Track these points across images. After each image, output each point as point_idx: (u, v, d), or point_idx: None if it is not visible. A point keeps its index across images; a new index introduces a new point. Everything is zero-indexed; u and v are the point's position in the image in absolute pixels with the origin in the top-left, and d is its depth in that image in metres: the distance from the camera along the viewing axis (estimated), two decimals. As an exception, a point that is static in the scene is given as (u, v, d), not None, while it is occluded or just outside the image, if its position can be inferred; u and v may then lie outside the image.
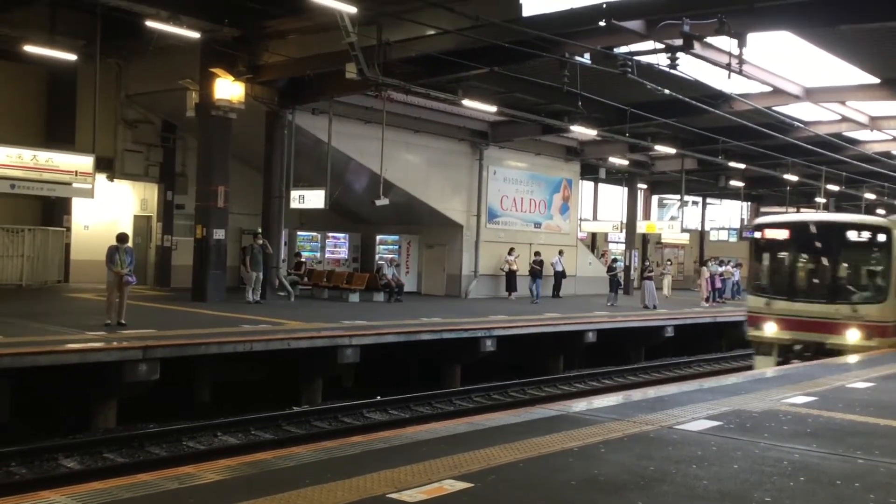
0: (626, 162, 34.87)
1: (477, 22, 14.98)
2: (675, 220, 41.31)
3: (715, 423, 7.87)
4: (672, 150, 30.05)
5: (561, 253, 31.56)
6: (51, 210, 25.04)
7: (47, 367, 12.24)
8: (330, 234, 30.01)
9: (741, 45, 15.41)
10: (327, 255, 29.83)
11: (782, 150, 30.44)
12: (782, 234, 16.93)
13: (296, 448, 6.68)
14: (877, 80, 22.14)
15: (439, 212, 28.41)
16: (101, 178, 23.91)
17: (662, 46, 15.86)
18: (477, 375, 18.70)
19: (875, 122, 27.42)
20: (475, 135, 29.33)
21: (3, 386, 12.83)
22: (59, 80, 24.45)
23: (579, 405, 9.13)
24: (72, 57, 20.61)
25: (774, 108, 24.56)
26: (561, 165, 33.07)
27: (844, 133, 28.97)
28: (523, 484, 5.68)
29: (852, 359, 14.04)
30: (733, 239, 52.83)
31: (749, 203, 52.29)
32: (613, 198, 44.49)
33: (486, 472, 5.92)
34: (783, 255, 17.28)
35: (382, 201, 22.95)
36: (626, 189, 39.28)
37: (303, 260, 27.41)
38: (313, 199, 22.93)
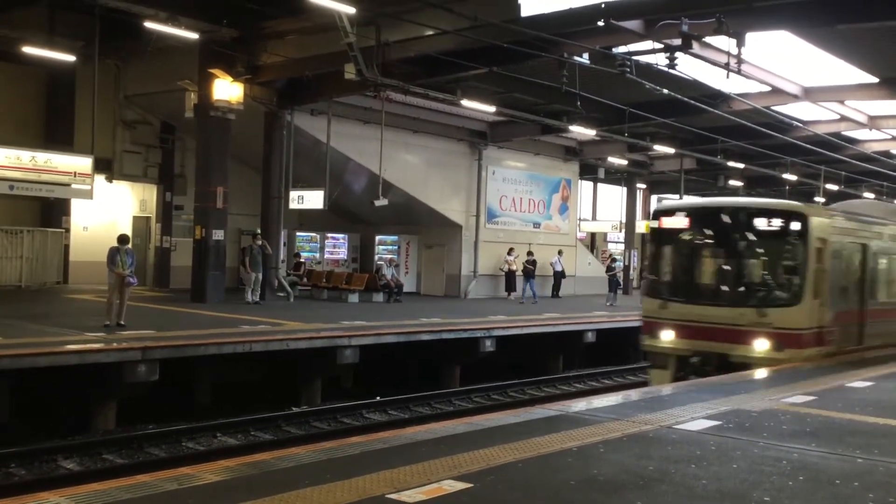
0: (625, 162, 34.87)
1: (475, 22, 14.98)
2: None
3: (714, 423, 7.88)
4: (671, 150, 30.04)
5: (560, 253, 31.56)
6: (50, 211, 25.02)
7: (46, 368, 12.24)
8: (329, 235, 30.01)
9: (740, 44, 15.40)
10: (326, 256, 29.84)
11: (781, 149, 30.44)
12: (680, 223, 14.29)
13: (295, 449, 6.68)
14: (875, 80, 22.13)
15: (438, 212, 28.41)
16: (99, 179, 23.87)
17: (661, 46, 15.85)
18: (476, 376, 18.69)
19: (874, 122, 27.42)
20: (474, 135, 29.33)
21: (2, 387, 12.82)
22: (57, 81, 24.43)
23: (578, 405, 9.14)
24: (70, 58, 20.59)
25: (773, 108, 24.55)
26: (560, 165, 33.07)
27: (843, 132, 28.96)
28: (522, 484, 5.68)
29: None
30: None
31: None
32: (612, 198, 44.47)
33: (485, 472, 5.92)
34: (681, 247, 14.61)
35: (381, 202, 22.95)
36: (625, 189, 39.27)
37: (302, 260, 27.40)
38: (312, 199, 22.93)
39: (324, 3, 15.28)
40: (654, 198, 43.68)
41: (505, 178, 30.79)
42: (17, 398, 13.13)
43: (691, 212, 14.40)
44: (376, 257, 29.04)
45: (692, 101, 21.46)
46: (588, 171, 36.86)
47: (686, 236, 14.37)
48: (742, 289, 13.71)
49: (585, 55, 18.86)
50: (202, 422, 13.53)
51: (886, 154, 33.37)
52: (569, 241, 33.67)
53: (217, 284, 21.79)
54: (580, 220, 38.91)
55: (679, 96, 20.30)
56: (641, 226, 38.78)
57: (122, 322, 15.24)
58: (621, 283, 31.86)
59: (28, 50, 19.70)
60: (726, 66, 16.11)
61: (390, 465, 6.00)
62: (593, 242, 45.55)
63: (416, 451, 6.53)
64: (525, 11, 16.96)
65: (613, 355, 22.78)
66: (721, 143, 29.63)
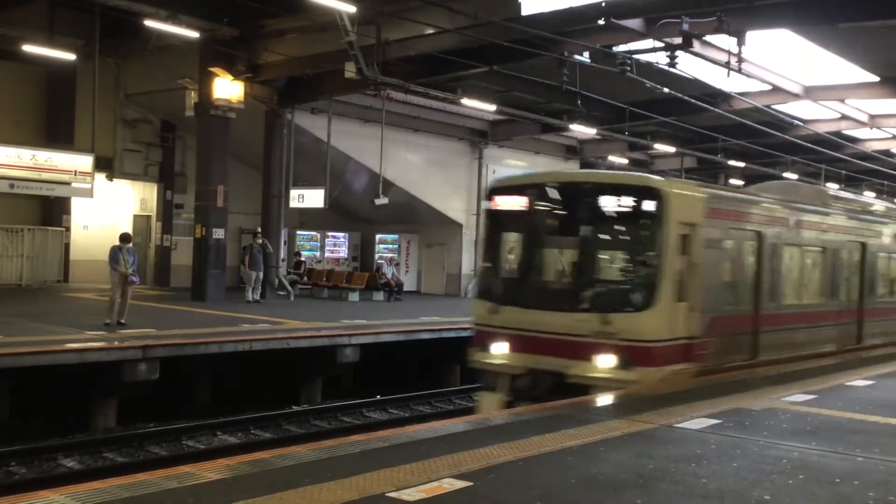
0: (625, 160, 34.83)
1: (476, 21, 14.98)
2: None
3: (714, 422, 7.87)
4: (671, 149, 30.03)
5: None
6: (50, 210, 25.02)
7: (47, 366, 12.24)
8: (329, 234, 30.00)
9: (740, 43, 15.39)
10: (327, 255, 29.84)
11: (782, 148, 30.43)
12: (517, 204, 11.31)
13: (295, 447, 6.68)
14: (876, 79, 22.13)
15: (439, 211, 28.41)
16: (100, 177, 23.90)
17: (662, 45, 15.83)
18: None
19: (874, 121, 27.41)
20: (474, 134, 29.33)
21: (2, 386, 12.83)
22: (58, 79, 24.43)
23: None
24: (71, 56, 20.59)
25: (774, 107, 24.54)
26: (560, 164, 33.04)
27: (844, 131, 28.94)
28: (523, 483, 5.67)
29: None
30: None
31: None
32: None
33: (485, 470, 5.92)
34: (517, 235, 11.77)
35: (382, 200, 22.95)
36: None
37: (302, 259, 27.39)
38: (313, 198, 22.94)
39: (324, 1, 15.29)
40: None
41: (505, 177, 30.73)
42: (18, 397, 13.14)
43: (529, 188, 11.37)
44: (377, 256, 29.05)
45: (693, 100, 21.46)
46: (588, 170, 36.83)
47: (522, 220, 11.38)
48: (584, 289, 10.69)
49: (586, 54, 18.85)
50: (202, 420, 13.54)
51: (887, 153, 33.34)
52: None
53: (217, 283, 21.80)
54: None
55: (680, 95, 20.29)
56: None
57: (123, 321, 15.24)
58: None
59: (28, 48, 19.70)
60: (727, 65, 16.10)
61: (391, 463, 6.00)
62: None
63: (416, 449, 6.52)
64: (525, 10, 16.95)
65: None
66: (722, 141, 29.61)
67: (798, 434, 7.47)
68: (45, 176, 19.15)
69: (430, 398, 16.34)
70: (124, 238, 15.77)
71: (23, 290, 23.23)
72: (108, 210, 26.40)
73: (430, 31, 17.88)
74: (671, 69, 16.00)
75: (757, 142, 29.39)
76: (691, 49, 15.97)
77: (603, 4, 15.71)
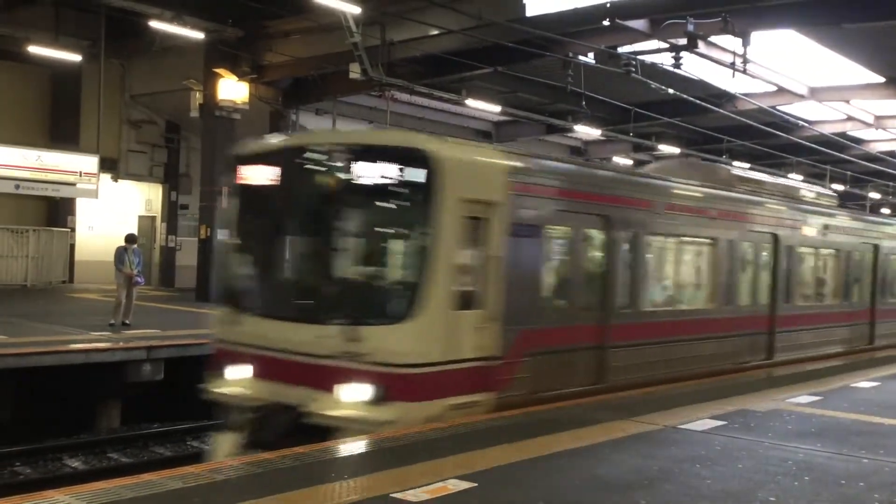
0: (630, 161, 34.79)
1: (481, 22, 14.99)
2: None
3: (719, 423, 7.86)
4: (676, 150, 29.96)
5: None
6: (55, 210, 25.05)
7: (52, 367, 12.25)
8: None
9: (745, 44, 15.37)
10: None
11: (787, 149, 30.37)
12: (262, 176, 8.61)
13: (299, 448, 6.69)
14: (882, 79, 22.09)
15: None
16: (105, 178, 23.95)
17: (667, 46, 15.81)
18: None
19: (880, 121, 27.37)
20: (479, 135, 29.31)
21: (7, 386, 12.84)
22: (63, 80, 24.46)
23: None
24: (76, 57, 20.63)
25: (779, 108, 24.51)
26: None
27: (849, 132, 28.91)
28: (526, 483, 5.67)
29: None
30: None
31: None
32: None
33: (489, 471, 5.91)
34: (262, 218, 8.97)
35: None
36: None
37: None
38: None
39: (329, 2, 15.29)
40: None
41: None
42: (23, 397, 13.15)
43: (274, 155, 8.77)
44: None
45: (698, 101, 21.41)
46: (593, 171, 36.78)
47: (267, 198, 8.70)
48: (326, 292, 8.14)
49: (591, 55, 18.85)
50: (206, 421, 13.52)
51: (892, 154, 33.27)
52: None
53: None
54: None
55: (684, 96, 20.25)
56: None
57: (128, 321, 15.25)
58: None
59: (34, 49, 19.74)
60: (732, 66, 16.07)
61: (395, 464, 6.00)
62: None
63: (420, 450, 6.52)
64: (530, 11, 16.96)
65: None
66: (726, 142, 29.58)
67: (803, 435, 7.45)
68: (50, 177, 19.20)
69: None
70: (130, 239, 15.78)
71: (28, 290, 23.25)
72: (113, 211, 26.43)
73: (435, 31, 17.88)
74: (676, 70, 15.98)
75: (762, 143, 29.34)
76: (696, 50, 15.95)
77: (608, 5, 15.71)
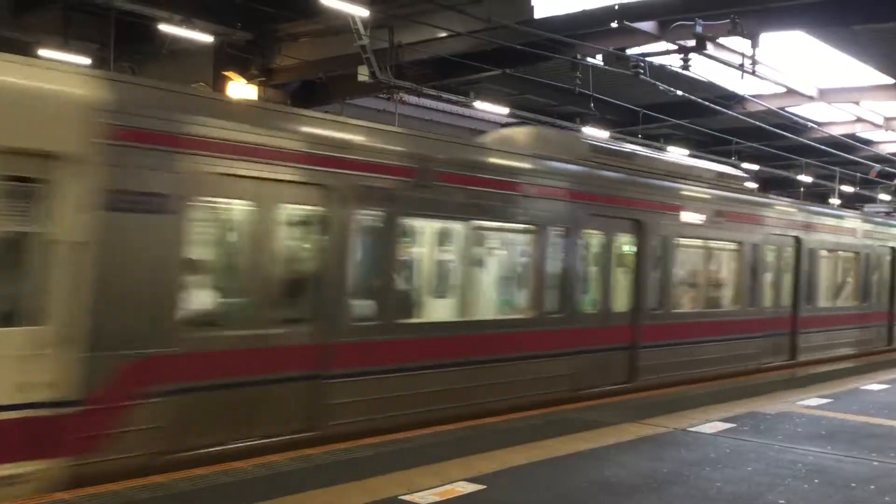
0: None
1: (489, 24, 14.98)
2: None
3: (729, 425, 7.84)
4: (685, 152, 29.92)
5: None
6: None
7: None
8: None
9: (754, 45, 15.34)
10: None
11: (796, 151, 30.28)
12: None
13: (308, 450, 6.70)
14: (891, 81, 21.99)
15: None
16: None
17: (675, 47, 15.79)
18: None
19: (889, 123, 27.26)
20: (487, 137, 29.30)
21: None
22: (73, 84, 24.57)
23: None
24: (86, 61, 20.68)
25: (788, 109, 24.43)
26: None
27: (858, 133, 28.81)
28: (535, 486, 5.67)
29: None
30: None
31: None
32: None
33: (498, 474, 5.92)
34: None
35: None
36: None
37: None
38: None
39: (337, 5, 15.32)
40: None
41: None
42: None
43: None
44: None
45: (706, 103, 21.38)
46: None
47: None
48: None
49: (599, 56, 18.84)
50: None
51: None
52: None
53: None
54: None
55: (693, 97, 20.22)
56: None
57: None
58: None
59: (43, 53, 19.81)
60: (741, 67, 16.04)
61: (404, 466, 6.01)
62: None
63: (429, 452, 6.53)
64: (538, 13, 16.95)
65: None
66: (735, 144, 29.51)
67: (813, 438, 7.43)
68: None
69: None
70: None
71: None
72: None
73: (443, 34, 17.89)
74: (684, 72, 15.98)
75: (771, 144, 29.25)
76: (705, 51, 15.94)
77: (616, 7, 15.69)
